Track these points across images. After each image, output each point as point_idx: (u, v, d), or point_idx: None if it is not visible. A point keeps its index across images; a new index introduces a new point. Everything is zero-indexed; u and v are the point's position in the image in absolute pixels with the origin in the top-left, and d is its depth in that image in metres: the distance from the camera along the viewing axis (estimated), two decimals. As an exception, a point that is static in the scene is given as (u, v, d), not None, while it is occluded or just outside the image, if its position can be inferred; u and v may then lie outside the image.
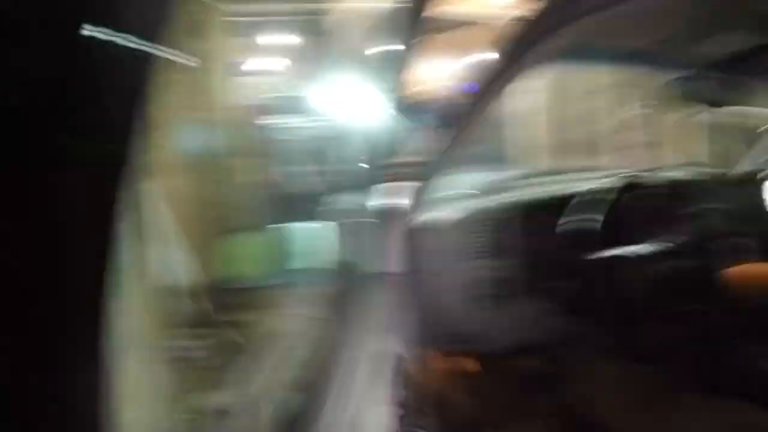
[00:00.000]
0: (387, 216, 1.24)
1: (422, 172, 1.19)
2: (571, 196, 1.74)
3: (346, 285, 1.18)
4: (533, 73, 1.00)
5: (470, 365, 1.81)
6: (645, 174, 1.85)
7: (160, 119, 3.72)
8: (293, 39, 7.85)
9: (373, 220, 1.21)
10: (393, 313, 1.23)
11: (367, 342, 1.02)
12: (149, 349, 3.59)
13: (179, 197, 4.25)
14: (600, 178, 2.22)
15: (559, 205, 1.75)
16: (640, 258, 1.51)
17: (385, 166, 7.55)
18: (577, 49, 1.58)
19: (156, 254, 4.19)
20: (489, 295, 1.54)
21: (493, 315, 1.56)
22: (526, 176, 2.24)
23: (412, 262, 1.40)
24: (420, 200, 1.21)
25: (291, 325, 4.51)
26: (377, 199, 1.18)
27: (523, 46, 0.98)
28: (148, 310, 3.73)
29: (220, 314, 4.20)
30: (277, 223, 4.66)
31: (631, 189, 1.74)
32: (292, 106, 8.14)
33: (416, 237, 1.37)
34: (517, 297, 1.57)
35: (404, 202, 1.25)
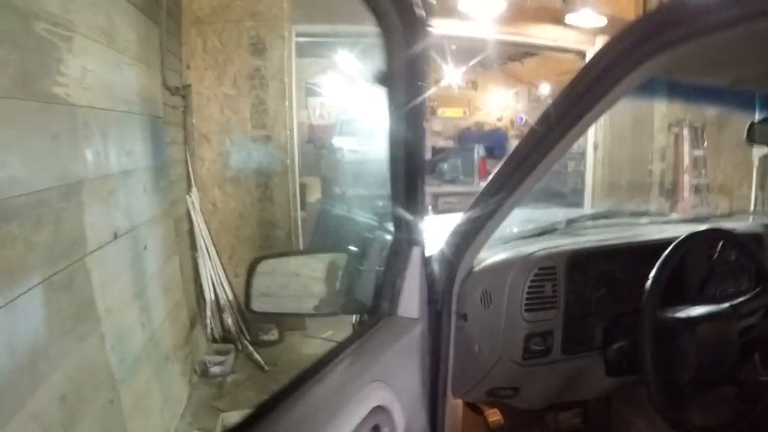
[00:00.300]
0: (431, 254, 1.14)
1: (478, 206, 1.08)
2: (651, 245, 1.61)
3: (376, 320, 1.07)
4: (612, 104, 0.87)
5: (504, 419, 1.67)
6: (724, 226, 1.70)
7: (206, 133, 3.69)
8: (361, 60, 7.85)
9: (413, 254, 1.10)
10: (428, 356, 1.11)
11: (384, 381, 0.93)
12: (171, 362, 3.57)
13: (219, 211, 4.23)
14: (675, 224, 2.10)
15: (630, 252, 1.62)
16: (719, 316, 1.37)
17: (435, 195, 7.41)
18: (662, 79, 1.46)
19: (189, 266, 4.21)
20: (537, 347, 1.40)
21: (536, 368, 1.42)
22: (593, 218, 2.11)
23: (459, 304, 1.28)
24: (471, 237, 1.10)
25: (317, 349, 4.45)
26: (418, 231, 1.07)
27: (614, 74, 0.86)
28: (173, 321, 3.75)
29: (247, 332, 4.15)
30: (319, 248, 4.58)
31: (711, 241, 1.60)
32: (356, 127, 8.20)
33: (465, 277, 1.26)
34: (567, 350, 1.43)
35: (453, 237, 1.14)
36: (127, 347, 2.69)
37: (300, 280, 1.34)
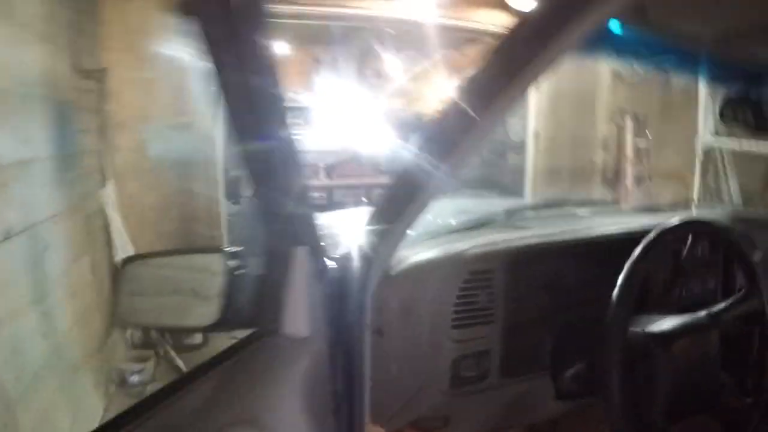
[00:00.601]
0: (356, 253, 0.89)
1: (396, 189, 0.83)
2: (605, 240, 1.37)
3: (248, 340, 0.83)
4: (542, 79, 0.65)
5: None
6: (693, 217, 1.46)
7: (124, 120, 3.36)
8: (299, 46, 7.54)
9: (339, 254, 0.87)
10: (328, 384, 0.87)
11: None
12: (81, 373, 3.26)
13: (137, 205, 3.90)
14: (625, 215, 1.91)
15: (581, 249, 1.37)
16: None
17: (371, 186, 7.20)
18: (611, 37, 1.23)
19: (105, 265, 3.86)
20: (469, 372, 1.15)
21: (469, 396, 1.17)
22: (535, 208, 1.89)
23: (385, 312, 1.04)
24: (387, 230, 0.84)
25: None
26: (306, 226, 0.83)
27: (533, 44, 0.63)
28: (83, 328, 3.41)
29: (169, 336, 3.83)
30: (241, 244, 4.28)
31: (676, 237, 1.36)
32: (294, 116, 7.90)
33: (380, 282, 0.98)
34: (507, 372, 1.18)
35: (364, 231, 0.89)
36: (25, 361, 2.38)
37: (175, 286, 1.07)
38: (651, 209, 2.08)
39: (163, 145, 3.83)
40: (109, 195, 3.73)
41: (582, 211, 1.94)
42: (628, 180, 6.25)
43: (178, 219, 3.93)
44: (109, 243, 3.72)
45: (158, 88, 3.81)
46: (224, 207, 4.09)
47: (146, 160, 3.84)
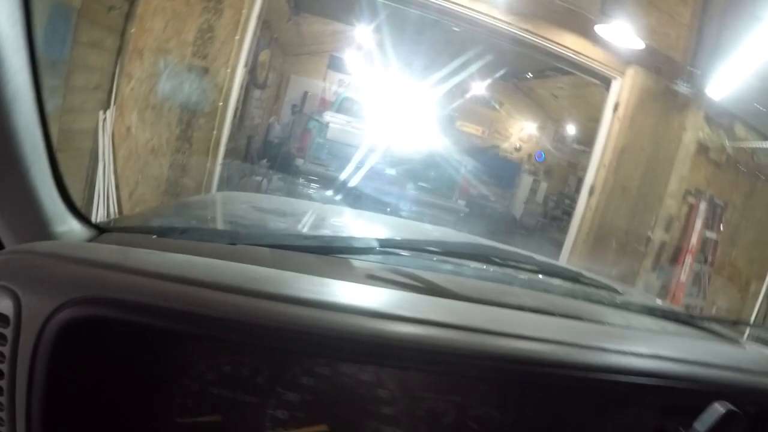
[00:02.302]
0: None
1: None
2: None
3: None
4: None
5: None
6: None
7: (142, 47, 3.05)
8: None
9: None
10: None
11: None
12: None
13: (132, 138, 3.63)
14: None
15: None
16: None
17: None
18: None
19: (80, 195, 3.61)
20: None
21: None
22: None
23: None
24: None
25: None
26: None
27: None
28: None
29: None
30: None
31: None
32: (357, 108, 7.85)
33: None
34: None
35: None
36: None
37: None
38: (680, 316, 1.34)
39: (172, 84, 3.56)
40: (107, 120, 3.48)
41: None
42: (683, 273, 5.52)
43: (168, 165, 3.64)
44: (93, 169, 3.47)
45: (184, 23, 3.54)
46: (217, 166, 3.77)
47: (153, 95, 3.58)
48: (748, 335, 1.44)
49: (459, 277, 1.08)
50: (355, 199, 5.64)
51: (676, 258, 5.46)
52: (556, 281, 1.21)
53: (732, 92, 4.68)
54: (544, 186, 11.91)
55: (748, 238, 5.64)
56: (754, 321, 4.74)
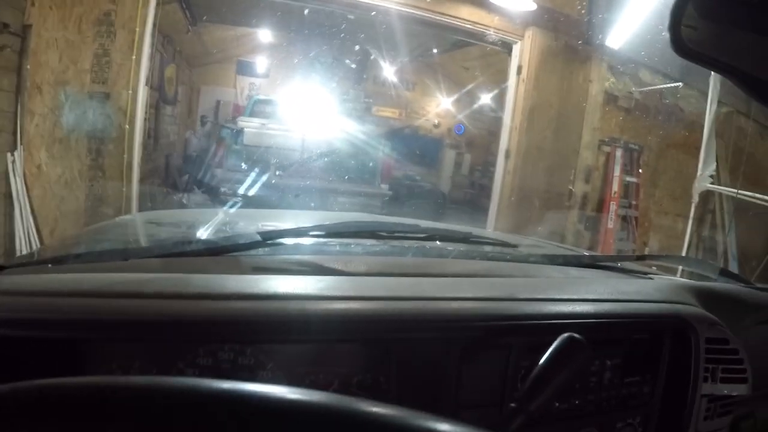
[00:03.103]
0: None
1: None
2: None
3: None
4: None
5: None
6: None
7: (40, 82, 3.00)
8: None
9: None
10: None
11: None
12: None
13: (44, 175, 3.57)
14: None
15: None
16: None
17: None
18: None
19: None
20: None
21: None
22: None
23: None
24: None
25: None
26: None
27: None
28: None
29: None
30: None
31: None
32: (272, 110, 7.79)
33: None
34: None
35: None
36: None
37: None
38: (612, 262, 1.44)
39: (76, 114, 3.51)
40: (16, 161, 3.41)
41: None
42: (610, 219, 5.66)
43: (84, 196, 3.59)
44: (10, 214, 3.40)
45: (79, 52, 3.48)
46: (134, 189, 3.74)
47: (59, 128, 3.52)
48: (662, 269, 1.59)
49: (348, 256, 1.17)
50: (277, 199, 5.69)
51: (600, 207, 5.69)
52: (450, 245, 1.30)
53: (631, 39, 4.93)
54: (468, 158, 12.13)
55: (669, 177, 5.89)
56: (663, 254, 4.91)
